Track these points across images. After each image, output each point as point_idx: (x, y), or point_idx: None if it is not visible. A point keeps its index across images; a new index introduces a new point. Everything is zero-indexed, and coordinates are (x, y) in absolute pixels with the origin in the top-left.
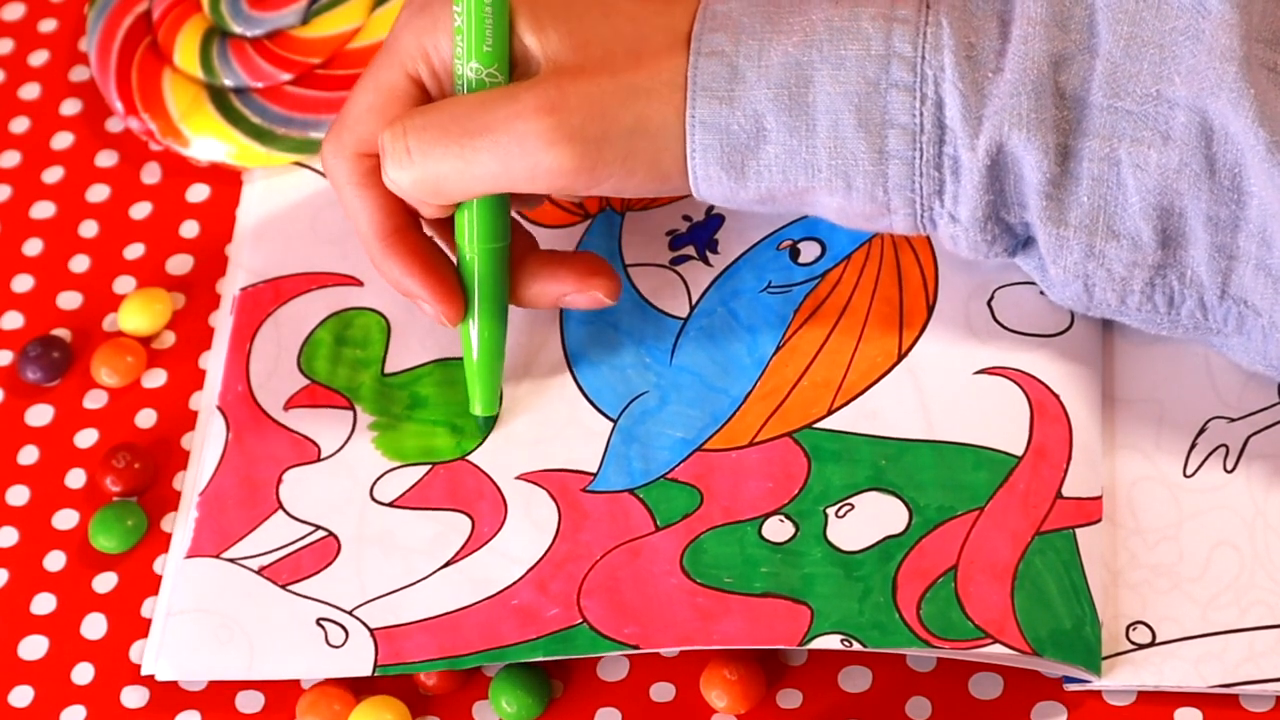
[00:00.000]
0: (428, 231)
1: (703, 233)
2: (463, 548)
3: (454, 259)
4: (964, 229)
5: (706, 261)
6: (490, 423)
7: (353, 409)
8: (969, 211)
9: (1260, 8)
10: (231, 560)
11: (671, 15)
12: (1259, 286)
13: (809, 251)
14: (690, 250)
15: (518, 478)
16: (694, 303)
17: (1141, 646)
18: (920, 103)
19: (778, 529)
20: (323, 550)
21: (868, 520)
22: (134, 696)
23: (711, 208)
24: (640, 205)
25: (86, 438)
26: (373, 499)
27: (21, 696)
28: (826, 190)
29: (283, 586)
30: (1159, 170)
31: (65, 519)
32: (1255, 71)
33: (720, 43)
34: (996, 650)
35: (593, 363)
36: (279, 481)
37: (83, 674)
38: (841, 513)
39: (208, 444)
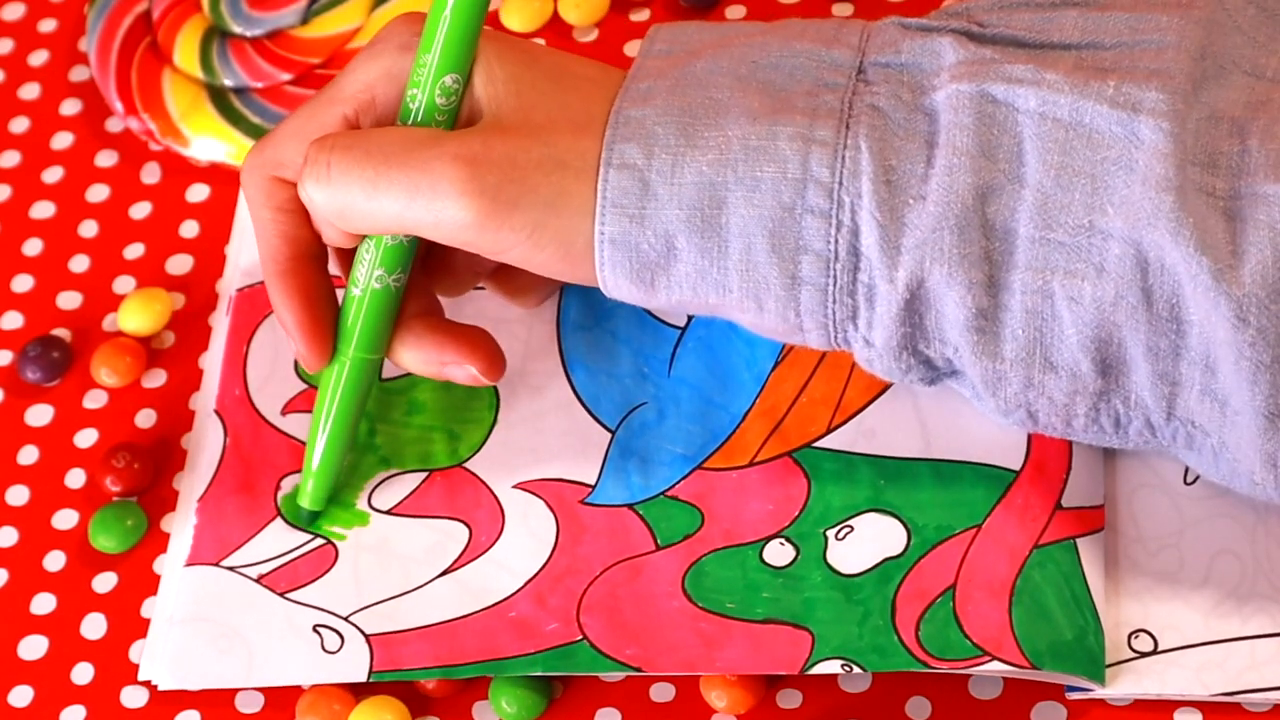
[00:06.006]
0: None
1: None
2: (460, 556)
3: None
4: (878, 354)
5: None
6: (313, 516)
7: None
8: (883, 339)
9: (1193, 128)
10: (231, 568)
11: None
12: (1205, 410)
13: None
14: None
15: (515, 486)
16: None
17: (1144, 655)
18: (836, 229)
19: (778, 553)
20: (320, 558)
21: (867, 542)
22: (134, 697)
23: None
24: None
25: (86, 438)
26: (370, 507)
27: (21, 696)
28: (738, 309)
29: (281, 594)
30: (1094, 303)
31: (65, 519)
32: (1192, 199)
33: (632, 155)
34: (996, 666)
35: (590, 370)
36: (277, 488)
37: (82, 674)
38: (841, 535)
39: (205, 448)
